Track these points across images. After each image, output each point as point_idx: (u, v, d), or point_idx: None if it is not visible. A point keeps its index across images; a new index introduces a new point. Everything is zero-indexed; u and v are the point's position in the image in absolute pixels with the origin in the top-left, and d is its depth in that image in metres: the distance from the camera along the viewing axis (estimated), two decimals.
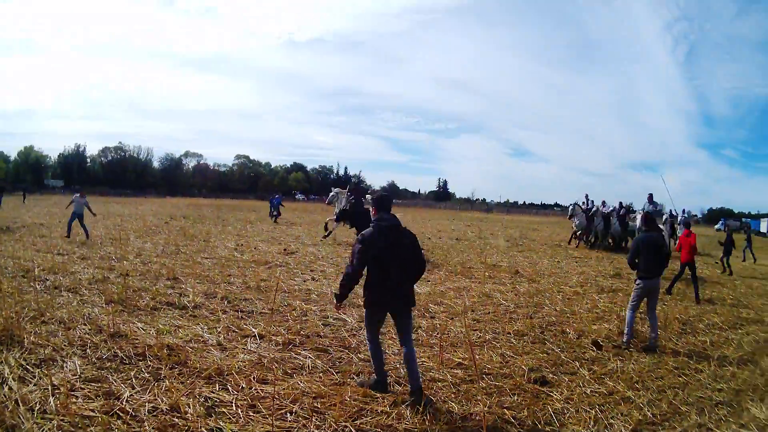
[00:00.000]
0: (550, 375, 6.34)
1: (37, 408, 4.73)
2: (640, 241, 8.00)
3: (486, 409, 5.18)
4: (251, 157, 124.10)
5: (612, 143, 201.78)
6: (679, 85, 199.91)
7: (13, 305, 7.76)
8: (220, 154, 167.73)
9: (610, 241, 24.15)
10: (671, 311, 10.32)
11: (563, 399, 5.63)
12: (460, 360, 6.60)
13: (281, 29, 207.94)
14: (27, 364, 5.70)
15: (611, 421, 5.15)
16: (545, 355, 7.15)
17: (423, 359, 6.52)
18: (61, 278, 10.25)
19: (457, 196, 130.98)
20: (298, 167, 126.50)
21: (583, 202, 24.49)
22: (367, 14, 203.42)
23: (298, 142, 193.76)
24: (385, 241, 5.24)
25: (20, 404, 4.74)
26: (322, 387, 5.51)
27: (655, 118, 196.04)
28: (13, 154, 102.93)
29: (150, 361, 6.01)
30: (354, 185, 19.79)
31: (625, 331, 7.88)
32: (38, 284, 9.57)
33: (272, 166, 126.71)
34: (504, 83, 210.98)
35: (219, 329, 7.30)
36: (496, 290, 11.47)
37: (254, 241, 19.08)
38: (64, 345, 6.37)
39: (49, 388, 5.08)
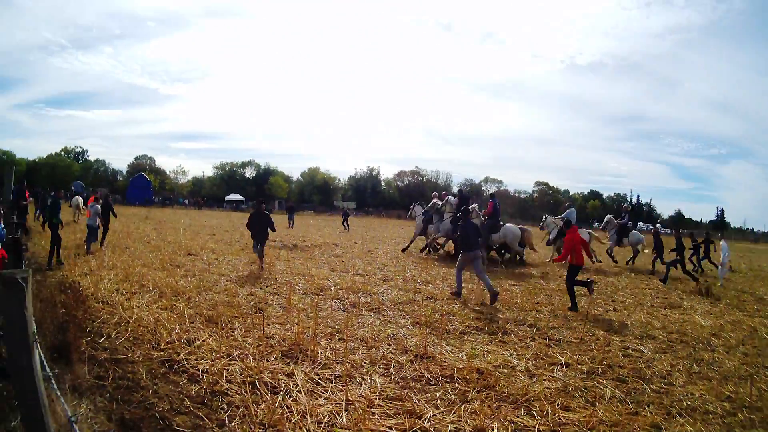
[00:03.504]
0: None
1: (325, 421, 4.99)
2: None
3: None
4: (550, 184, 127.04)
5: None
6: None
7: (306, 321, 8.41)
8: (519, 180, 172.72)
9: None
10: None
11: None
12: (729, 393, 6.62)
13: (564, 53, 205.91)
14: (319, 379, 6.07)
15: None
16: None
17: (702, 391, 6.63)
18: (362, 298, 10.86)
19: (732, 226, 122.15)
20: (594, 195, 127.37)
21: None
22: (635, 35, 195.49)
23: (593, 168, 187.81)
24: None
25: (308, 416, 5.02)
26: (618, 416, 5.62)
27: None
28: (295, 175, 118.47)
29: (458, 383, 6.22)
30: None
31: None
32: (335, 302, 10.25)
33: (570, 194, 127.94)
34: (760, 105, 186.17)
35: (528, 356, 7.50)
36: (762, 324, 11.26)
37: (560, 270, 19.04)
38: (365, 363, 6.68)
39: (343, 403, 5.36)
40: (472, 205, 20.38)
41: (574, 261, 11.62)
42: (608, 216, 23.98)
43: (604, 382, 6.62)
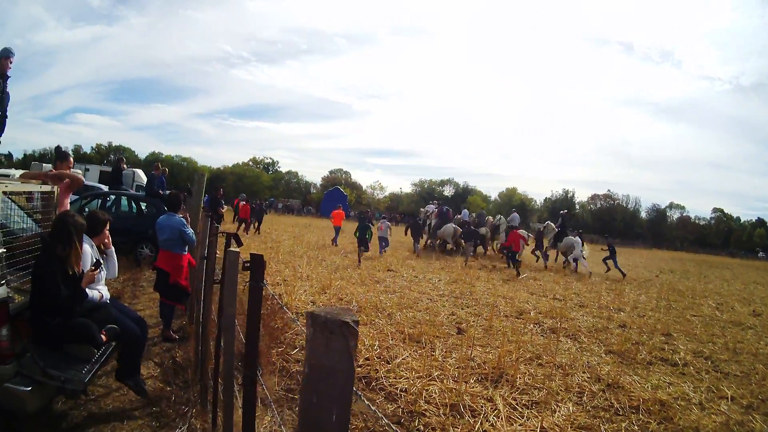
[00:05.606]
0: None
1: None
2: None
3: None
4: (725, 211, 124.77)
5: None
6: None
7: (506, 344, 8.94)
8: (699, 206, 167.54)
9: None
10: None
11: None
12: None
13: (729, 74, 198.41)
14: (516, 404, 6.41)
15: None
16: None
17: None
18: (560, 323, 11.28)
19: None
20: (761, 223, 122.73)
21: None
22: None
23: (757, 194, 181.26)
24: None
25: None
26: None
27: None
28: (493, 195, 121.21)
29: (641, 414, 6.54)
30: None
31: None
32: (534, 326, 10.82)
33: (741, 221, 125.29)
34: None
35: (702, 389, 7.80)
36: None
37: (731, 301, 19.75)
38: (560, 390, 7.08)
39: (537, 429, 5.73)
40: (433, 209, 30.98)
41: (514, 248, 22.65)
42: (547, 222, 30.25)
43: (757, 416, 6.91)
